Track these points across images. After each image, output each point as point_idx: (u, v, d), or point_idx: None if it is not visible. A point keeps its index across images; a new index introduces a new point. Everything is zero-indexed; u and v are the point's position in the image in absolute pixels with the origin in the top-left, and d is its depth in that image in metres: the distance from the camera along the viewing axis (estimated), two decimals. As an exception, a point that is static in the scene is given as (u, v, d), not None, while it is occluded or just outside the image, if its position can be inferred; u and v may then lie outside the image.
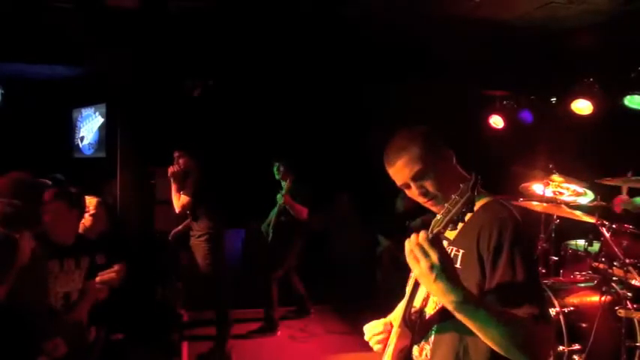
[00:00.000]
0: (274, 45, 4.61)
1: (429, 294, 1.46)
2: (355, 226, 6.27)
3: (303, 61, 5.00)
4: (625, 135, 4.21)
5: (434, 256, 1.19)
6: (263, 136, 5.81)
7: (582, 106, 4.44)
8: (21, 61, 5.22)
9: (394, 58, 4.85)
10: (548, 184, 3.72)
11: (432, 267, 1.19)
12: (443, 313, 1.39)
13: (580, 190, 3.71)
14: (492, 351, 1.30)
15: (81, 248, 2.80)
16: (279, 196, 4.80)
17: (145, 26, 4.19)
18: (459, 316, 1.21)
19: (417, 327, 1.46)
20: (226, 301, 4.34)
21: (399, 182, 1.52)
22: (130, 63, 4.99)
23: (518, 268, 1.30)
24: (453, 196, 1.23)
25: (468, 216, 1.24)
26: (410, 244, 1.24)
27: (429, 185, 1.47)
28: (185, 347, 4.44)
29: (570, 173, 3.66)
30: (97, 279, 3.02)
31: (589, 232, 3.55)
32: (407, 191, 1.53)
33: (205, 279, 4.27)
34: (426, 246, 1.20)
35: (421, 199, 1.50)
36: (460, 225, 1.24)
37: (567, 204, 3.67)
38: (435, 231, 1.23)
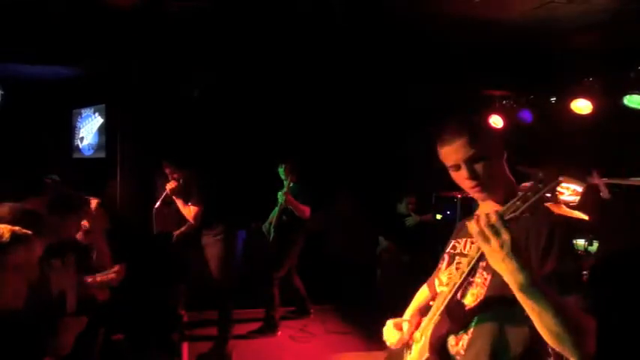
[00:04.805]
0: (272, 45, 4.61)
1: (469, 285, 1.48)
2: (356, 225, 6.27)
3: (302, 61, 5.00)
4: (625, 135, 4.21)
5: (505, 235, 1.22)
6: (262, 136, 5.81)
7: (582, 106, 4.43)
8: (21, 62, 5.23)
9: (395, 56, 4.85)
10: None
11: (502, 245, 1.22)
12: (484, 305, 1.44)
13: (580, 189, 3.72)
14: (531, 345, 1.36)
15: (64, 246, 2.80)
16: (280, 194, 4.80)
17: (144, 27, 4.19)
18: (520, 297, 1.24)
19: (455, 317, 1.49)
20: (231, 301, 4.35)
21: (450, 162, 1.55)
22: (129, 64, 5.00)
23: (566, 265, 1.35)
24: (530, 186, 1.26)
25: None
26: (479, 225, 1.25)
27: (480, 170, 1.50)
28: (185, 347, 4.44)
29: (570, 173, 3.67)
30: (97, 279, 3.03)
31: (589, 232, 3.55)
32: (453, 173, 1.57)
33: (213, 278, 4.28)
34: (498, 224, 1.23)
35: (468, 183, 1.53)
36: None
37: (567, 204, 3.67)
38: (507, 216, 1.25)
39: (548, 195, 1.23)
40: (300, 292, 5.21)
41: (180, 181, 4.25)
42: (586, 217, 3.44)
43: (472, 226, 1.27)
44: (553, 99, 4.85)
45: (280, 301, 4.89)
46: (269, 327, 4.83)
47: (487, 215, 1.25)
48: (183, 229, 4.62)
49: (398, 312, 1.87)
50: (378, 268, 5.75)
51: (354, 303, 5.38)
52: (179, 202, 4.28)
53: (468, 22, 3.92)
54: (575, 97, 4.45)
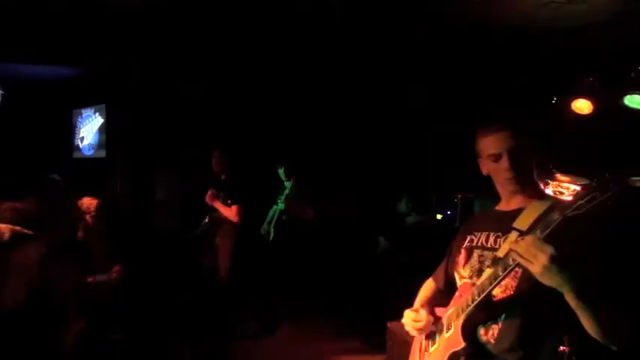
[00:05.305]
0: (272, 45, 4.60)
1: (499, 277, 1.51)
2: (355, 225, 6.27)
3: (302, 61, 5.00)
4: (625, 135, 4.20)
5: (550, 250, 1.29)
6: (260, 136, 5.81)
7: (582, 106, 4.43)
8: (21, 62, 5.23)
9: (393, 56, 4.84)
10: (548, 183, 3.72)
11: (552, 259, 1.28)
12: (514, 298, 1.48)
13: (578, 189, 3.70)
14: (560, 337, 1.46)
15: (66, 247, 2.80)
16: (281, 198, 4.79)
17: (144, 27, 4.19)
18: (572, 303, 1.32)
19: (484, 307, 1.52)
20: (236, 301, 4.38)
21: (492, 150, 1.61)
22: (130, 64, 5.00)
23: (609, 265, 1.41)
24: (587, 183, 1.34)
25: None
26: (521, 247, 1.33)
27: (520, 163, 1.58)
28: (187, 348, 4.43)
29: (570, 173, 3.66)
30: (97, 279, 3.03)
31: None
32: (490, 164, 1.63)
33: (220, 278, 4.30)
34: (539, 243, 1.30)
35: (505, 174, 1.60)
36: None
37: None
38: (544, 234, 1.32)
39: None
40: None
41: (218, 170, 4.35)
42: None
43: (512, 247, 1.35)
44: (553, 99, 4.84)
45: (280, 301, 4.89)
46: (268, 327, 4.82)
47: (525, 238, 1.34)
48: (199, 230, 4.58)
49: (399, 311, 1.87)
50: (378, 269, 5.74)
51: (354, 303, 5.37)
52: (218, 206, 4.31)
53: (467, 22, 3.92)
54: (575, 97, 4.44)
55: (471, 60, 4.68)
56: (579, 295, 1.30)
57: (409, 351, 1.86)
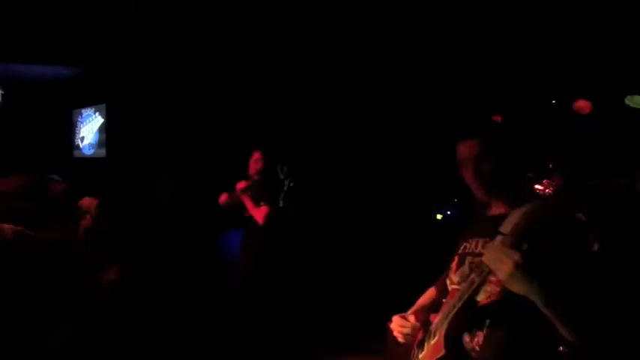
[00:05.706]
0: (272, 44, 4.61)
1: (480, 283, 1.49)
2: (353, 226, 6.27)
3: (301, 60, 5.00)
4: (625, 135, 4.21)
5: (515, 256, 1.25)
6: (258, 135, 5.81)
7: (582, 106, 4.43)
8: (21, 62, 5.24)
9: (392, 55, 4.85)
10: (549, 184, 3.72)
11: (517, 266, 1.25)
12: (499, 304, 1.45)
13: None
14: (545, 343, 1.40)
15: (68, 248, 2.80)
16: (279, 197, 4.78)
17: (144, 27, 4.19)
18: (542, 310, 1.29)
19: (468, 314, 1.50)
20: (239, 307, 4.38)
21: (460, 159, 1.60)
22: (129, 64, 5.00)
23: (582, 272, 1.37)
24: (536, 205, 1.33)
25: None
26: (489, 253, 1.32)
27: (486, 172, 1.53)
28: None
29: (570, 174, 3.66)
30: (98, 279, 3.03)
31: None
32: (462, 171, 1.61)
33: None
34: (505, 249, 1.28)
35: (472, 184, 1.58)
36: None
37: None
38: (513, 240, 1.30)
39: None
40: None
41: (259, 170, 4.20)
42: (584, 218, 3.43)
43: (486, 251, 1.33)
44: (553, 100, 4.85)
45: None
46: (268, 327, 4.82)
47: (492, 243, 1.32)
48: (229, 200, 4.45)
49: (399, 312, 1.86)
50: (379, 268, 5.74)
51: (354, 304, 5.38)
52: (248, 203, 4.18)
53: (468, 22, 3.93)
54: (575, 97, 4.45)
55: (471, 60, 4.68)
56: (547, 304, 1.26)
57: (409, 352, 1.86)
